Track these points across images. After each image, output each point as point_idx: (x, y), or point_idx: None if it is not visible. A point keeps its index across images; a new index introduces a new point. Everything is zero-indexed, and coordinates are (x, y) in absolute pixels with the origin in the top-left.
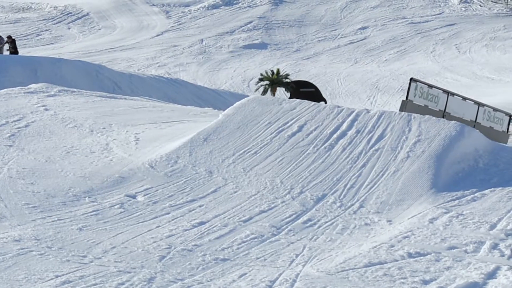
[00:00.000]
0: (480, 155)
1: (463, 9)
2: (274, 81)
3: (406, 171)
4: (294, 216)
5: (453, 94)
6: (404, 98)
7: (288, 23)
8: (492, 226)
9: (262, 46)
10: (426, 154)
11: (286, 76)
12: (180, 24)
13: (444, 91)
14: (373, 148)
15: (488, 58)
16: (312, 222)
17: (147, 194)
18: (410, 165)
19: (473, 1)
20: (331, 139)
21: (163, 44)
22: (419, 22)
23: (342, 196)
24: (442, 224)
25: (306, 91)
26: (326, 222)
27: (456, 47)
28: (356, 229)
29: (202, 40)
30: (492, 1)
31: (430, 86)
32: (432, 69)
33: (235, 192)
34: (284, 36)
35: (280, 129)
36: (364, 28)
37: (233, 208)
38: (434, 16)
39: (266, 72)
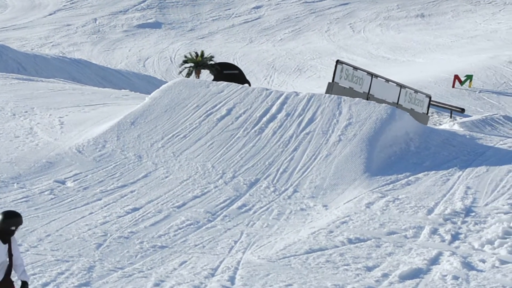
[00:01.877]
0: (411, 138)
1: None
2: (198, 63)
3: (338, 154)
4: (228, 201)
5: (376, 76)
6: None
7: (182, 2)
8: (430, 211)
9: (156, 25)
10: (358, 137)
11: (211, 58)
12: (73, 3)
13: (368, 73)
14: (304, 132)
15: (383, 38)
16: (247, 207)
17: (77, 180)
18: (342, 149)
19: None
20: (261, 123)
21: (56, 23)
22: (313, 2)
23: (275, 181)
24: (379, 209)
25: (229, 73)
26: (261, 207)
27: (351, 27)
28: (292, 214)
29: (95, 19)
30: None
31: (355, 68)
32: (327, 48)
33: (166, 177)
34: (178, 15)
35: (209, 112)
36: (258, 7)
37: (165, 193)
38: None
39: (190, 54)
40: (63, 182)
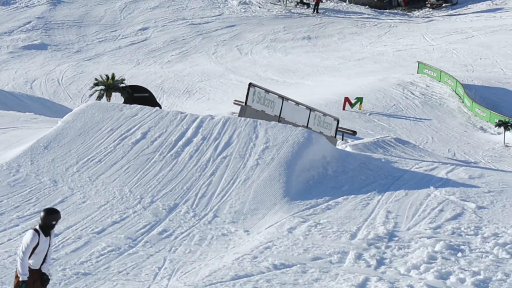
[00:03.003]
0: (328, 162)
1: (243, 10)
2: (109, 86)
3: (257, 179)
4: (148, 226)
5: (287, 99)
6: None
7: (68, 23)
8: (353, 236)
9: (42, 47)
10: (275, 161)
11: (122, 80)
12: None
13: (280, 96)
14: (221, 156)
15: (270, 60)
16: (168, 233)
17: None
18: (260, 173)
19: (252, 3)
20: (177, 146)
21: None
22: (200, 24)
23: (194, 206)
24: (302, 234)
25: (140, 96)
26: (182, 232)
27: (238, 49)
28: (214, 239)
29: None
30: (271, 2)
31: (267, 91)
32: (215, 70)
33: (84, 202)
34: (64, 36)
35: (123, 136)
36: (144, 29)
37: (83, 219)
38: (214, 17)
39: (101, 77)
40: None
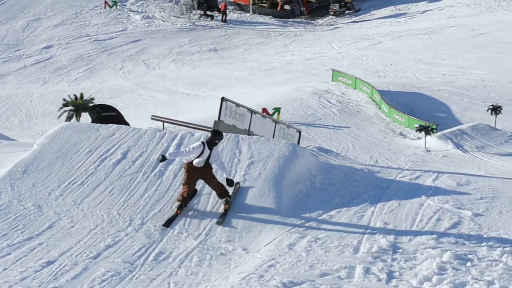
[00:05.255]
0: (314, 174)
1: (146, 24)
2: (79, 105)
3: (246, 195)
4: (143, 249)
5: (255, 112)
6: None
7: None
8: (356, 249)
9: None
10: (263, 176)
11: (91, 100)
12: None
13: (248, 109)
14: None
15: (179, 73)
16: (165, 255)
17: None
18: (249, 189)
19: (156, 17)
20: (159, 165)
21: None
22: (104, 40)
23: (187, 225)
24: (303, 250)
25: (108, 115)
26: (180, 254)
27: (145, 63)
28: (214, 260)
29: None
30: (174, 16)
31: (238, 105)
32: (125, 86)
33: (72, 227)
34: None
35: (103, 157)
36: (48, 47)
37: (76, 244)
38: (118, 33)
39: (69, 97)
40: None
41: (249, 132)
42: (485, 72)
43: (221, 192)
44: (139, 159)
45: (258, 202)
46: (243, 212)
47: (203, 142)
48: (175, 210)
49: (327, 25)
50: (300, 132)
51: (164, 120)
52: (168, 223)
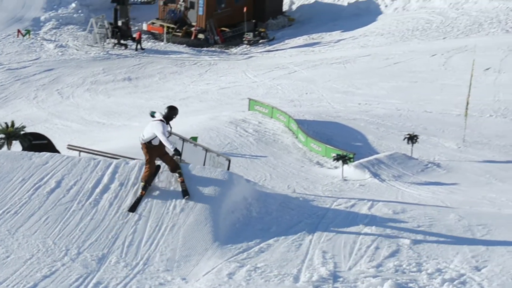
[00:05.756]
0: (250, 203)
1: (60, 53)
2: (10, 133)
3: (183, 224)
4: (81, 279)
5: (186, 140)
6: None
7: None
8: (296, 278)
9: None
10: (199, 205)
11: (23, 128)
12: None
13: (180, 137)
14: (143, 202)
15: (93, 103)
16: (103, 285)
17: None
18: (186, 218)
19: (69, 46)
20: (94, 194)
21: None
22: (17, 68)
23: (123, 255)
24: (243, 279)
25: (39, 143)
26: (118, 284)
27: (59, 93)
28: None
29: None
30: (88, 45)
31: (170, 133)
32: (39, 115)
33: (8, 257)
34: None
35: (37, 185)
36: None
37: (12, 275)
38: (31, 62)
39: (0, 125)
40: None
41: (180, 160)
42: (400, 101)
43: (174, 167)
44: (74, 187)
45: (195, 231)
46: (181, 241)
47: (162, 120)
48: (140, 191)
49: (241, 54)
50: (229, 161)
51: (81, 149)
52: (134, 208)
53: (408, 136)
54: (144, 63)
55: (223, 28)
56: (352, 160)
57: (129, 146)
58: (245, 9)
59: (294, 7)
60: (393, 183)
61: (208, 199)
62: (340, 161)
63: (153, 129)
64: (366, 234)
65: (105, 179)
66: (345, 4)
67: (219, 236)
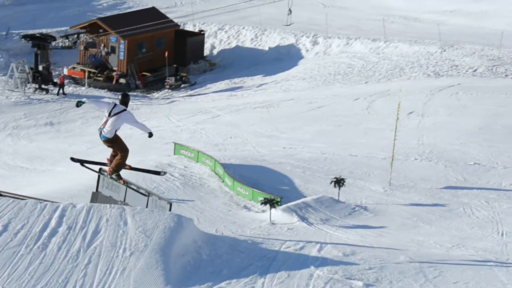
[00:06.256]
0: (200, 246)
1: None
2: None
3: (134, 268)
4: None
5: (130, 184)
6: None
7: None
8: None
9: None
10: (149, 248)
11: None
12: None
13: (125, 182)
14: (92, 246)
15: (16, 148)
16: None
17: None
18: (136, 261)
19: None
20: (42, 238)
21: None
22: None
23: None
24: None
25: None
26: None
27: None
28: None
29: None
30: (8, 89)
31: (112, 178)
32: None
33: None
34: None
35: None
36: None
37: None
38: None
39: None
40: None
41: (124, 203)
42: (325, 145)
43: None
44: (21, 231)
45: (146, 274)
46: (132, 285)
47: (125, 109)
48: (120, 181)
49: (163, 98)
50: (171, 204)
51: (6, 195)
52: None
53: (334, 179)
54: (66, 108)
55: (144, 73)
56: (279, 203)
57: (53, 191)
58: (166, 54)
59: (215, 51)
60: (321, 227)
61: (159, 242)
62: (268, 205)
63: (125, 120)
64: (318, 276)
65: (53, 223)
66: (266, 48)
67: (171, 280)
